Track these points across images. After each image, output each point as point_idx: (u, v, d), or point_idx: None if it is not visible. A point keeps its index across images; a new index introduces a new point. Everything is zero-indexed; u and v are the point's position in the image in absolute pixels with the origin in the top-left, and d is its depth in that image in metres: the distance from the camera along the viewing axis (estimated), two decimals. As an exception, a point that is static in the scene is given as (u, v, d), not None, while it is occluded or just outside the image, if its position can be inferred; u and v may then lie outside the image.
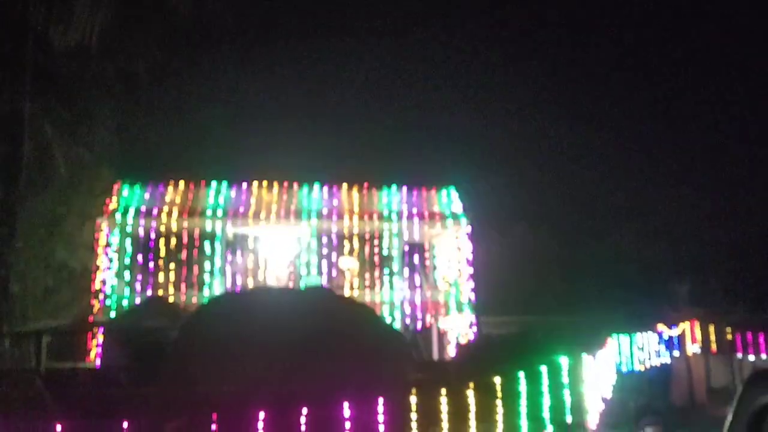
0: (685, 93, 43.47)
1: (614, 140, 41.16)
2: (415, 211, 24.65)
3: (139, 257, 23.08)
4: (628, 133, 42.60)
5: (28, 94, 16.91)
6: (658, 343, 17.13)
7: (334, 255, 24.20)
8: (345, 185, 24.90)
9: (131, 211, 22.97)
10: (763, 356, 16.47)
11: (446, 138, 39.52)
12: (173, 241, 23.39)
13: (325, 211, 24.16)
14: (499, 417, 9.99)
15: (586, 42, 46.36)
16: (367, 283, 24.26)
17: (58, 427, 7.00)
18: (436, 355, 24.50)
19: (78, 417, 7.71)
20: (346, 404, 8.48)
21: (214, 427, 7.76)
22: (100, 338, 19.75)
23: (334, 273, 24.10)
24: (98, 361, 19.17)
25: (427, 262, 26.05)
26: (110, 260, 22.69)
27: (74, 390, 12.58)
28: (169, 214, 23.16)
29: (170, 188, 23.83)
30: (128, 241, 23.26)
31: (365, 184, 25.07)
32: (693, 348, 18.29)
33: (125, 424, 7.21)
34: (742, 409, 2.49)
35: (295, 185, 24.58)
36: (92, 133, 19.76)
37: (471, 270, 24.51)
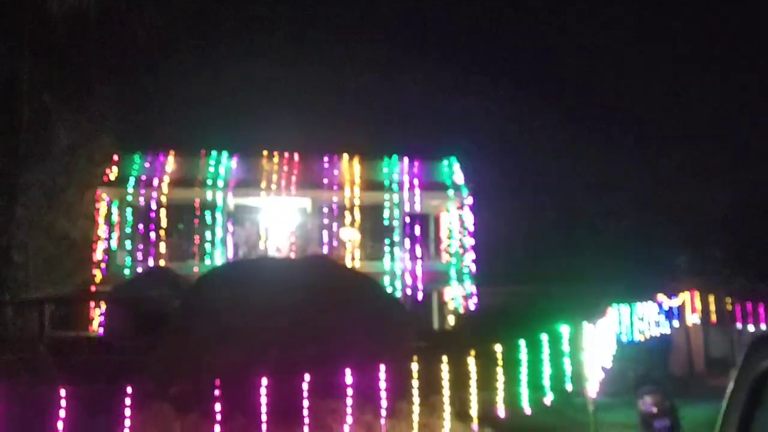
0: (685, 63, 43.09)
1: (615, 112, 40.95)
2: (416, 182, 24.60)
3: (140, 227, 23.14)
4: (628, 104, 42.34)
5: (27, 61, 16.74)
6: (658, 314, 17.16)
7: (335, 226, 24.22)
8: (346, 156, 24.80)
9: (131, 181, 22.95)
10: (763, 326, 16.53)
11: (448, 109, 39.31)
12: (174, 211, 23.40)
13: (326, 182, 24.11)
14: (500, 384, 10.06)
15: (591, 15, 45.82)
16: (368, 254, 24.32)
17: (62, 392, 7.05)
18: (437, 325, 24.66)
19: (82, 383, 7.76)
20: (348, 371, 8.53)
21: (217, 392, 7.81)
22: (103, 308, 19.86)
23: (335, 244, 24.14)
24: (101, 330, 19.30)
25: (429, 233, 26.08)
26: (111, 230, 22.73)
27: (78, 357, 12.66)
28: (170, 184, 23.11)
29: (170, 158, 23.75)
30: (129, 211, 23.28)
31: (366, 155, 24.97)
32: (693, 318, 18.36)
33: (129, 389, 7.26)
34: (744, 374, 2.47)
35: (296, 156, 24.48)
36: (92, 101, 19.59)
37: (472, 241, 24.54)
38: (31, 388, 8.56)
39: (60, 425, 7.01)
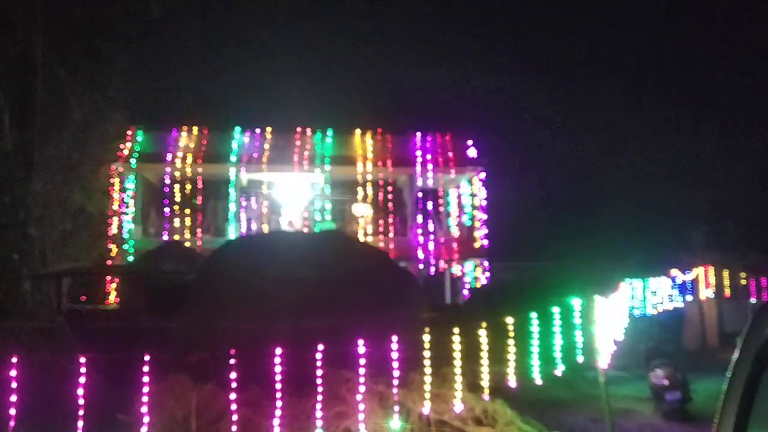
0: (702, 34, 42.48)
1: (630, 84, 40.53)
2: (429, 157, 24.53)
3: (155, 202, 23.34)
4: (644, 77, 41.88)
5: (41, 37, 16.76)
6: (672, 288, 17.12)
7: (348, 201, 24.27)
8: (359, 131, 24.76)
9: (146, 157, 23.08)
10: (777, 301, 16.41)
11: (461, 84, 39.07)
12: (188, 186, 23.57)
13: (339, 158, 24.11)
14: (511, 356, 10.11)
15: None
16: (380, 229, 24.37)
17: (81, 360, 7.19)
18: (449, 300, 24.76)
19: (100, 351, 7.91)
20: (361, 342, 8.61)
21: (232, 361, 7.93)
22: (119, 282, 20.09)
23: (348, 219, 24.21)
24: (117, 304, 19.55)
25: (441, 209, 26.08)
26: (126, 205, 22.93)
27: (96, 326, 12.86)
28: (184, 159, 23.24)
29: (184, 134, 23.84)
30: (143, 186, 23.45)
31: (379, 131, 24.92)
32: (706, 293, 18.29)
33: (147, 357, 7.38)
34: (750, 340, 2.48)
35: (309, 131, 24.47)
36: (105, 77, 19.63)
37: (485, 216, 24.51)
38: (50, 357, 8.72)
39: (80, 392, 7.16)
